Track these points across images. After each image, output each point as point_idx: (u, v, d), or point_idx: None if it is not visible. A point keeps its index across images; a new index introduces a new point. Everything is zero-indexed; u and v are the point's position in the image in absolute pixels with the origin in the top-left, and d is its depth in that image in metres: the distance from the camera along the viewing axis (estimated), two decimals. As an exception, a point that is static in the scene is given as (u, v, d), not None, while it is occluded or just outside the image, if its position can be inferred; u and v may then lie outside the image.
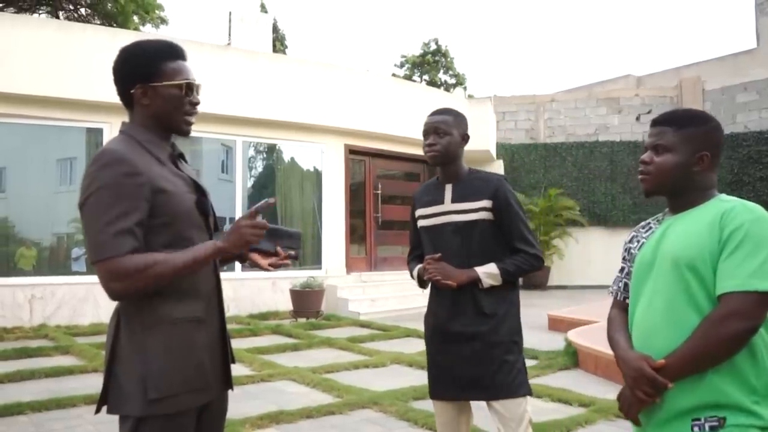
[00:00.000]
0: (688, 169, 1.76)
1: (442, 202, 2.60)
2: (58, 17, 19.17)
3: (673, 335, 1.65)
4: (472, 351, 2.48)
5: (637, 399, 1.68)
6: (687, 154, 1.75)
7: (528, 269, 2.55)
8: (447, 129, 2.56)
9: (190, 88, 1.81)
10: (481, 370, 2.47)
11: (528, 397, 2.53)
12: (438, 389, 2.59)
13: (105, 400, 1.71)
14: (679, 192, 1.79)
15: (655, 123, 1.83)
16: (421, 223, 2.67)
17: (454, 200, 2.57)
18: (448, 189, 2.60)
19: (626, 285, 1.92)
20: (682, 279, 1.66)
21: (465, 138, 2.64)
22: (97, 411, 1.74)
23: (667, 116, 1.82)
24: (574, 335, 6.78)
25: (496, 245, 2.53)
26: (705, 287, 1.63)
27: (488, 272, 2.48)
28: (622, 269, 1.97)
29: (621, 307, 1.92)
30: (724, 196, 1.77)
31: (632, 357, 1.71)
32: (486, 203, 2.51)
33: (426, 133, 2.61)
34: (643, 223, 1.95)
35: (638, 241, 1.89)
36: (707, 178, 1.77)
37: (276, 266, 1.89)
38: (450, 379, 2.53)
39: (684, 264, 1.66)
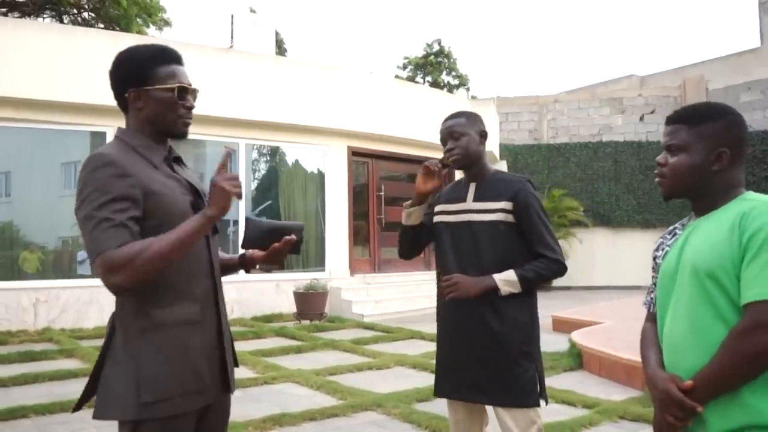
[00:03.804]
0: (706, 168, 1.62)
1: (464, 200, 2.57)
2: (62, 21, 19.24)
3: (700, 352, 1.52)
4: (483, 355, 2.44)
5: (667, 423, 1.54)
6: (703, 153, 1.62)
7: (548, 275, 2.46)
8: (462, 130, 2.54)
9: (184, 91, 1.81)
10: (489, 375, 2.42)
11: (539, 409, 2.45)
12: (445, 388, 2.56)
13: (85, 400, 1.74)
14: (699, 194, 1.66)
15: (669, 121, 1.70)
16: (440, 218, 2.63)
17: (475, 199, 2.54)
18: (472, 188, 2.58)
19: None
20: (704, 290, 1.53)
21: (483, 135, 2.60)
22: (76, 410, 1.76)
23: (681, 113, 1.69)
24: (578, 336, 6.76)
25: (514, 248, 2.47)
26: (729, 297, 1.50)
27: (507, 279, 2.41)
28: (653, 279, 1.82)
29: (654, 320, 1.77)
30: (749, 194, 1.62)
31: (660, 378, 1.58)
32: (505, 205, 2.47)
33: (443, 141, 2.59)
34: (669, 228, 1.82)
35: (663, 249, 1.76)
36: (730, 177, 1.63)
37: (280, 250, 1.92)
38: (460, 379, 2.49)
39: (704, 273, 1.52)
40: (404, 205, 2.69)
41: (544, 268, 2.44)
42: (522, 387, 2.41)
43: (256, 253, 1.97)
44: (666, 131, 1.70)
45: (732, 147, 1.61)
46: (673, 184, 1.67)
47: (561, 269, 2.49)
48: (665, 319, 1.65)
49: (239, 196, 1.66)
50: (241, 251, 2.07)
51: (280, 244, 1.93)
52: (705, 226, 1.61)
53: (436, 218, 2.65)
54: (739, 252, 1.48)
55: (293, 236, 1.93)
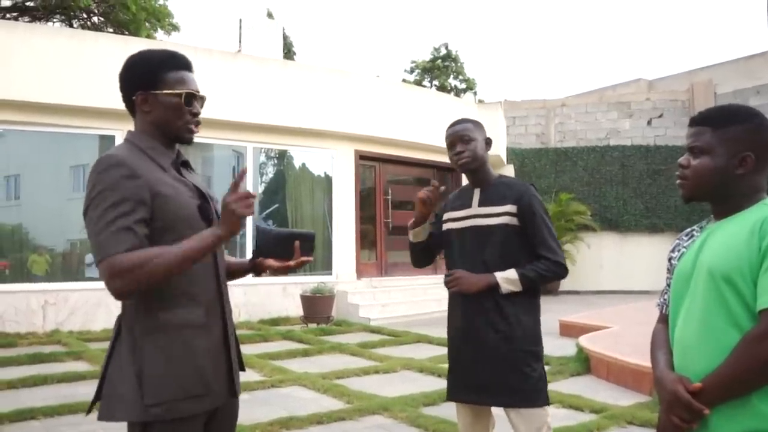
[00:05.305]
0: (730, 172, 1.59)
1: (470, 205, 2.64)
2: (71, 26, 19.36)
3: (711, 355, 1.51)
4: (490, 356, 2.48)
5: (672, 425, 1.53)
6: (727, 156, 1.59)
7: (550, 276, 2.53)
8: (471, 135, 2.62)
9: (191, 97, 1.83)
10: (498, 376, 2.46)
11: (548, 408, 2.50)
12: (455, 391, 2.61)
13: (96, 402, 1.73)
14: (721, 197, 1.63)
15: (693, 122, 1.67)
16: (449, 225, 2.69)
17: (480, 204, 2.61)
18: (476, 193, 2.65)
19: None
20: (719, 293, 1.51)
21: (488, 142, 2.69)
22: (88, 412, 1.75)
23: (705, 114, 1.66)
24: (585, 341, 6.74)
25: (518, 251, 2.53)
26: (744, 302, 1.48)
27: (507, 278, 2.48)
28: (667, 280, 1.80)
29: (666, 322, 1.75)
30: None
31: (668, 379, 1.58)
32: (510, 208, 2.53)
33: (451, 144, 2.65)
34: (686, 231, 1.79)
35: (679, 251, 1.74)
36: (753, 181, 1.60)
37: (296, 266, 1.96)
38: (467, 381, 2.54)
39: (720, 276, 1.50)
40: (408, 226, 2.77)
41: (546, 269, 2.50)
42: (533, 386, 2.46)
43: (268, 260, 1.99)
44: (689, 133, 1.67)
45: (757, 151, 1.59)
46: (695, 187, 1.65)
47: (562, 271, 2.55)
48: (677, 321, 1.64)
49: (250, 214, 1.70)
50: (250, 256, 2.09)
51: (296, 263, 1.97)
52: (724, 230, 1.59)
53: (445, 226, 2.72)
54: (757, 257, 1.46)
55: (309, 258, 1.98)
